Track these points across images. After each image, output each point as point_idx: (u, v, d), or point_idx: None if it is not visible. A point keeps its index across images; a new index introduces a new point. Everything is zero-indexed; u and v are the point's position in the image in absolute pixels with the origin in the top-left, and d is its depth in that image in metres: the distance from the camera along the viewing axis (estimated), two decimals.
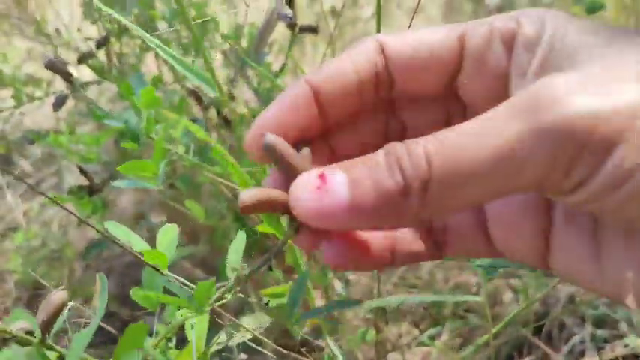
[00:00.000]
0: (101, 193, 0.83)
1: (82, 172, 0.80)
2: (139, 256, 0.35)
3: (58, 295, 0.33)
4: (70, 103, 1.11)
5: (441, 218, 0.28)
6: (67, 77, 0.49)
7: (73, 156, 0.82)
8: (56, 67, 0.49)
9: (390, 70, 0.26)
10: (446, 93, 0.27)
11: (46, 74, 1.07)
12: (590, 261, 0.23)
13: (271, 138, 0.25)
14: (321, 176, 0.23)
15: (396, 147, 0.22)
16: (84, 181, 0.82)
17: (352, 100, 0.27)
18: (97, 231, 0.35)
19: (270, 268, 0.46)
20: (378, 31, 0.44)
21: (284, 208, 0.25)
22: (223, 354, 0.44)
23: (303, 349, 0.47)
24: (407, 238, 0.28)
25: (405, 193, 0.21)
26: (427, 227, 0.28)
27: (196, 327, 0.36)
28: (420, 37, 0.26)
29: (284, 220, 0.27)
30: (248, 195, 0.25)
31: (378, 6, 0.41)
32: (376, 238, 0.27)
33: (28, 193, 1.35)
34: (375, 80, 0.26)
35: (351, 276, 0.84)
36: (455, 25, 0.26)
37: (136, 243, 0.36)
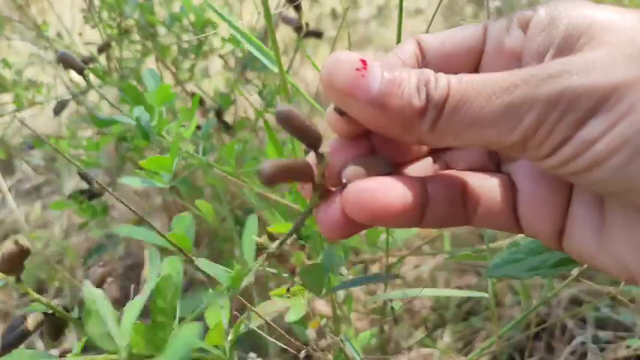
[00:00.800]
0: (101, 198, 0.83)
1: (83, 176, 0.80)
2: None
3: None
4: (71, 107, 1.11)
5: (439, 145, 0.28)
6: (80, 71, 0.49)
7: (73, 161, 0.82)
8: (69, 60, 0.49)
9: (427, 60, 0.30)
10: None
11: (47, 79, 1.07)
12: (595, 242, 0.26)
13: (284, 107, 0.25)
14: (363, 61, 0.25)
15: (429, 74, 0.25)
16: (84, 186, 0.82)
17: None
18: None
19: (299, 237, 0.47)
20: (399, 36, 0.46)
21: (307, 176, 0.26)
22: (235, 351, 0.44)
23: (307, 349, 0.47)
24: (440, 198, 0.28)
25: (422, 113, 0.24)
26: (462, 196, 0.29)
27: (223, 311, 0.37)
28: (450, 31, 0.30)
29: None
30: (269, 163, 0.24)
31: (400, 16, 0.43)
32: (407, 193, 0.27)
33: (29, 196, 1.35)
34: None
35: None
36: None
37: (152, 237, 0.37)
